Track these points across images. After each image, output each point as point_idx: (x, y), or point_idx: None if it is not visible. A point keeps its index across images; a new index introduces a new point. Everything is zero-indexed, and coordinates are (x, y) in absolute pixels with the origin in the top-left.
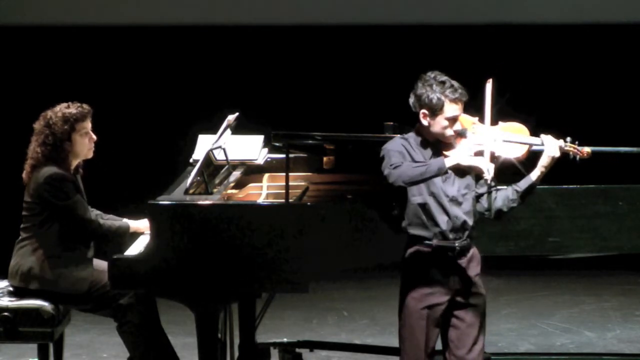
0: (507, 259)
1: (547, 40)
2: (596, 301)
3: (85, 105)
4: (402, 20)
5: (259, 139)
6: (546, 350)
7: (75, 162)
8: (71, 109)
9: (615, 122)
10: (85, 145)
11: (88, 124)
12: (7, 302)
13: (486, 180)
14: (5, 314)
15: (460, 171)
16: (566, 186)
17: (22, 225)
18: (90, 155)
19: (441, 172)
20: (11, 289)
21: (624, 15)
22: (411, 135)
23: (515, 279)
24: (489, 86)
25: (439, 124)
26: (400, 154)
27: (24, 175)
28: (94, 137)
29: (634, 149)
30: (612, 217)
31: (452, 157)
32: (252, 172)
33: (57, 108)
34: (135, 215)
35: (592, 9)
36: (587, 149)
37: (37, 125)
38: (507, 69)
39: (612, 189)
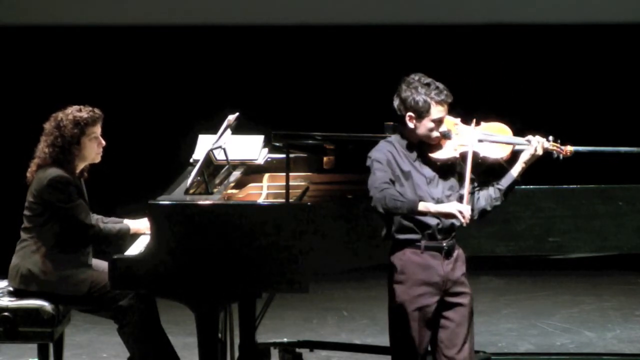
0: (507, 259)
1: (547, 40)
2: (596, 301)
3: (96, 110)
4: (402, 20)
5: (259, 139)
6: (546, 350)
7: (81, 166)
8: (83, 112)
9: (615, 122)
10: (93, 149)
11: (98, 129)
12: (7, 302)
13: (462, 224)
14: (5, 314)
15: (444, 173)
16: (566, 186)
17: (23, 226)
18: (97, 159)
19: (411, 213)
20: (11, 289)
21: (624, 15)
22: (396, 139)
23: (515, 279)
24: (473, 124)
25: (425, 127)
26: (387, 164)
27: (28, 173)
28: (103, 142)
29: (634, 149)
30: (612, 217)
31: (424, 204)
32: (252, 172)
33: (69, 110)
34: (135, 216)
35: (592, 9)
36: (569, 148)
37: (47, 126)
38: (507, 69)
39: (612, 189)
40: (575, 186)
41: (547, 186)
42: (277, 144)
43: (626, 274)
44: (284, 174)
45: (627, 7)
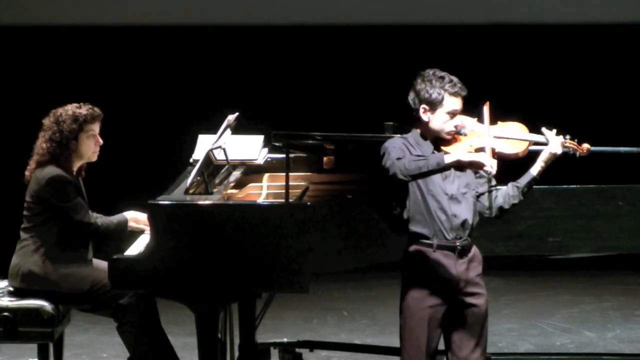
0: (507, 259)
1: (547, 40)
2: (596, 301)
3: (96, 108)
4: (402, 20)
5: (259, 139)
6: (546, 350)
7: (78, 163)
8: (82, 109)
9: (615, 122)
10: (90, 147)
11: (96, 127)
12: (7, 302)
13: (489, 173)
14: (5, 314)
15: (461, 170)
16: (566, 186)
17: (22, 226)
18: (94, 158)
19: (439, 167)
20: (11, 289)
21: (624, 15)
22: (410, 135)
23: (515, 279)
24: (486, 109)
25: (438, 119)
26: (400, 150)
27: (27, 172)
28: (100, 141)
29: (634, 149)
30: (612, 217)
31: (452, 154)
32: (252, 172)
33: (68, 107)
34: None
35: (592, 9)
36: (586, 146)
37: (47, 122)
38: (507, 69)
39: (612, 189)
40: (575, 186)
41: (547, 186)
42: (277, 144)
43: (626, 274)
44: (284, 174)
45: (627, 7)
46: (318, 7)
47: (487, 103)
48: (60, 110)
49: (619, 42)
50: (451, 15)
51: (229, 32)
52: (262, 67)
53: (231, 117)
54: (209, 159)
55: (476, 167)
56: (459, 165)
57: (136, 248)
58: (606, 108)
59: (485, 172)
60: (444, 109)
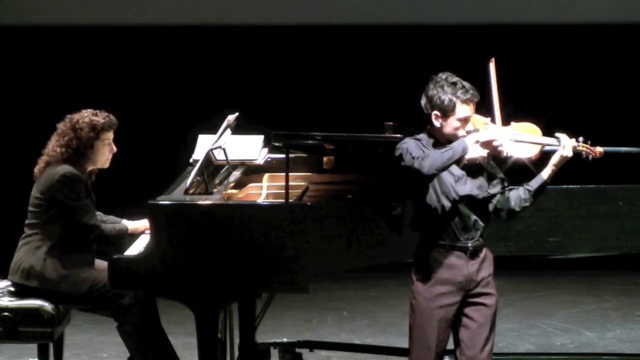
0: (507, 259)
1: (547, 40)
2: (596, 301)
3: (112, 116)
4: (402, 20)
5: (259, 139)
6: (546, 350)
7: (90, 168)
8: (99, 117)
9: (615, 122)
10: (105, 155)
11: (111, 135)
12: (7, 302)
13: (502, 152)
14: (5, 314)
15: (473, 172)
16: (566, 186)
17: (27, 222)
18: (106, 165)
19: (466, 151)
20: (11, 288)
21: (624, 15)
22: (423, 137)
23: (515, 279)
24: (491, 66)
25: (450, 125)
26: (417, 148)
27: (36, 170)
28: (115, 148)
29: (634, 149)
30: (612, 217)
31: (470, 136)
32: (252, 172)
33: (85, 113)
34: (135, 216)
35: (591, 9)
36: (599, 149)
37: (62, 126)
38: (506, 69)
39: (612, 189)
40: (575, 186)
41: (547, 186)
42: (277, 144)
43: (626, 274)
44: (284, 174)
45: (627, 7)
46: (318, 7)
47: (492, 59)
48: (76, 117)
49: (619, 42)
50: (451, 15)
51: (229, 32)
52: (262, 67)
53: (231, 117)
54: (209, 159)
55: (488, 146)
56: (473, 168)
57: (136, 248)
58: (606, 108)
59: (496, 147)
60: (456, 115)
